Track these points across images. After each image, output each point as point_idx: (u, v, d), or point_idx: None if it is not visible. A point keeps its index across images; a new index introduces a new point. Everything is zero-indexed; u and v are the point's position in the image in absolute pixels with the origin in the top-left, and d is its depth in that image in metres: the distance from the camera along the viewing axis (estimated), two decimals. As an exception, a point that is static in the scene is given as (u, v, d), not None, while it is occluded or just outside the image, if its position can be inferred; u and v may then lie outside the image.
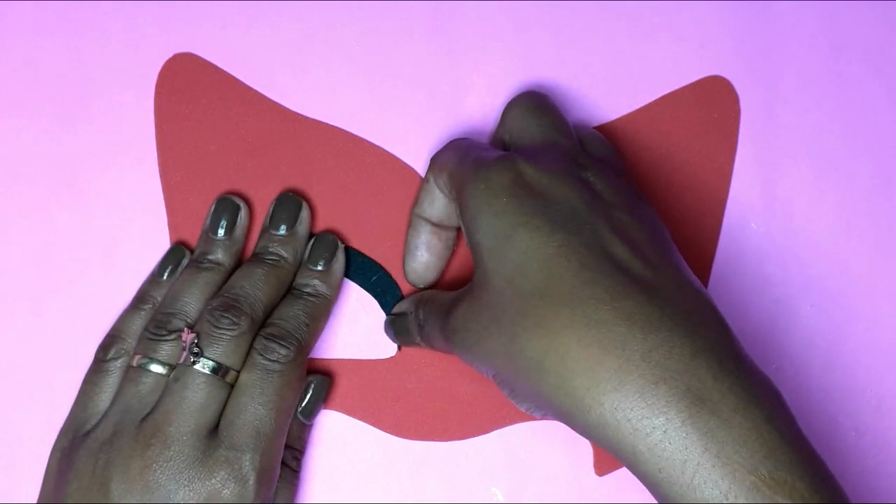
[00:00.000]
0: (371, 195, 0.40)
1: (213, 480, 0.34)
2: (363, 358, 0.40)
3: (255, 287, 0.37)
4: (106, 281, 0.39)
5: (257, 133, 0.40)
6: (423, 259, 0.39)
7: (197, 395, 0.34)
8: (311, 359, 0.39)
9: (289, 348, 0.36)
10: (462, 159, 0.35)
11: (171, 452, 0.34)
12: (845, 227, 0.41)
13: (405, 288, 0.40)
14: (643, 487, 0.39)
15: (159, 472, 0.33)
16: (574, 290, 0.30)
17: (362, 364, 0.40)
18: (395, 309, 0.39)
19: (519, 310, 0.30)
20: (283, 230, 0.38)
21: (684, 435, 0.28)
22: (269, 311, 0.37)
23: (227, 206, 0.39)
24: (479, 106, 0.41)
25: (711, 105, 0.41)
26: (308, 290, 0.38)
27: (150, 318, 0.37)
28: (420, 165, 0.40)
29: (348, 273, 0.40)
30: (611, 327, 0.29)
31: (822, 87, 0.42)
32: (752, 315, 0.40)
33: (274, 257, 0.38)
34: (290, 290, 0.38)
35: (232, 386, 0.35)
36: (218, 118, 0.40)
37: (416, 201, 0.38)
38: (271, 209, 0.39)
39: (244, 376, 0.35)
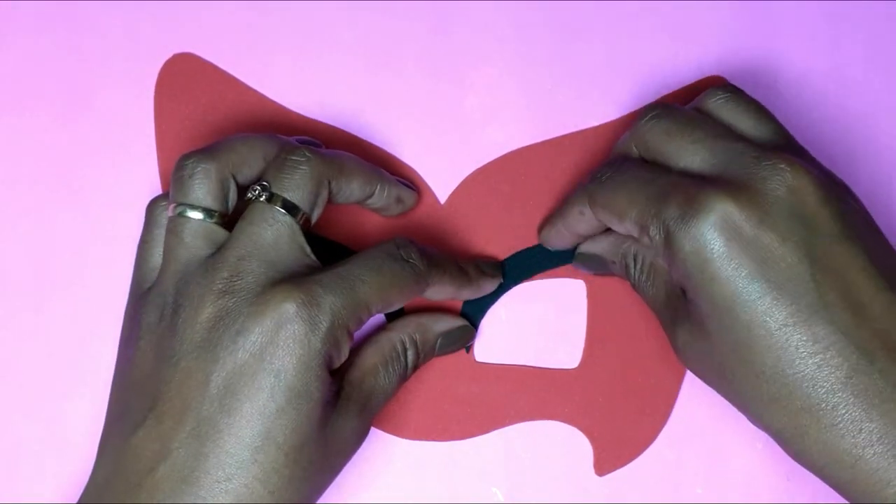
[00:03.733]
0: (371, 195, 0.40)
1: (281, 308, 0.31)
2: (363, 358, 0.40)
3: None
4: (106, 281, 0.39)
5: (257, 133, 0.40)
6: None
7: (267, 231, 0.32)
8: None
9: (421, 261, 0.34)
10: (648, 207, 0.32)
11: (242, 281, 0.31)
12: (845, 227, 0.41)
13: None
14: (643, 487, 0.40)
15: (231, 302, 0.31)
16: (806, 372, 0.30)
17: (362, 364, 0.40)
18: (585, 248, 0.38)
19: (750, 383, 0.31)
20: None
21: None
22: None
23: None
24: (479, 106, 0.41)
25: (711, 105, 0.41)
26: (465, 266, 0.37)
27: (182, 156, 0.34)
28: (420, 165, 0.40)
29: None
30: (847, 411, 0.30)
31: (822, 87, 0.42)
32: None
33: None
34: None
35: (303, 230, 0.33)
36: (218, 118, 0.40)
37: (563, 216, 0.37)
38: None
39: (364, 252, 0.33)
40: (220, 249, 0.33)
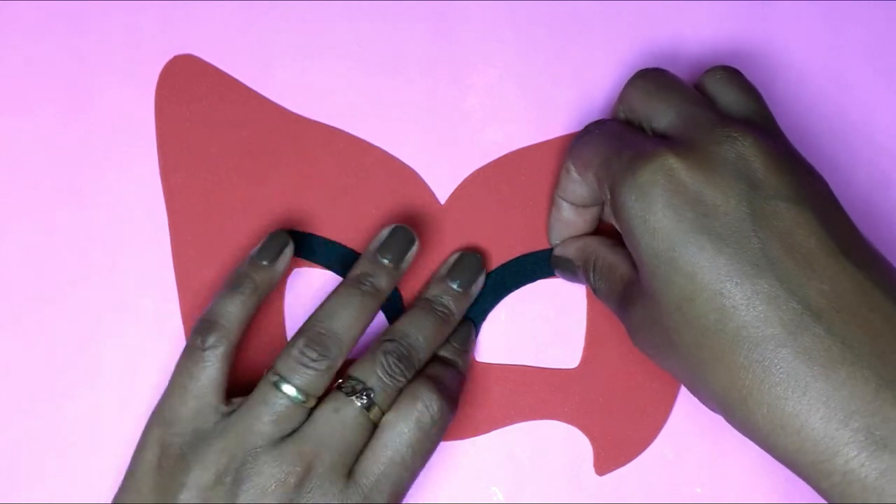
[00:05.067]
0: (371, 195, 0.40)
1: None
2: (363, 358, 0.40)
3: (427, 339, 0.36)
4: (106, 281, 0.39)
5: (258, 134, 0.40)
6: (564, 237, 0.39)
7: (352, 434, 0.34)
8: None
9: (451, 411, 0.36)
10: (607, 159, 0.33)
11: (313, 484, 0.33)
12: (846, 226, 0.41)
13: (404, 289, 0.40)
14: (643, 487, 0.39)
15: (296, 500, 0.33)
16: (748, 326, 0.29)
17: (362, 364, 0.40)
18: (558, 251, 0.39)
19: (694, 341, 0.30)
20: (459, 287, 0.38)
21: (863, 476, 0.28)
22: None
23: (405, 235, 0.37)
24: (479, 106, 0.41)
25: (711, 105, 0.41)
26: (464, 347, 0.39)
27: (300, 332, 0.35)
28: (420, 165, 0.40)
29: (346, 274, 0.40)
30: (791, 369, 0.28)
31: (822, 87, 0.42)
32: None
33: (445, 310, 0.37)
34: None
35: (375, 426, 0.35)
36: (218, 119, 0.40)
37: (557, 184, 0.38)
38: (451, 260, 0.39)
39: (393, 420, 0.34)
40: (295, 433, 0.34)
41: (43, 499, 0.38)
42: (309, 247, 0.40)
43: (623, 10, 0.41)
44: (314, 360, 0.34)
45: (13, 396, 0.39)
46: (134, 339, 0.39)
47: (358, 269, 0.37)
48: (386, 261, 0.37)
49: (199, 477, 0.33)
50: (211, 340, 0.35)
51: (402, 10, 0.41)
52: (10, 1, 0.41)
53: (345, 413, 0.34)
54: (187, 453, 0.34)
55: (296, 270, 0.40)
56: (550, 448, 0.39)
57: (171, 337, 0.39)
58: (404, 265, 0.37)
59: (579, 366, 0.40)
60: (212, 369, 0.35)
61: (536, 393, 0.40)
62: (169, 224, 0.40)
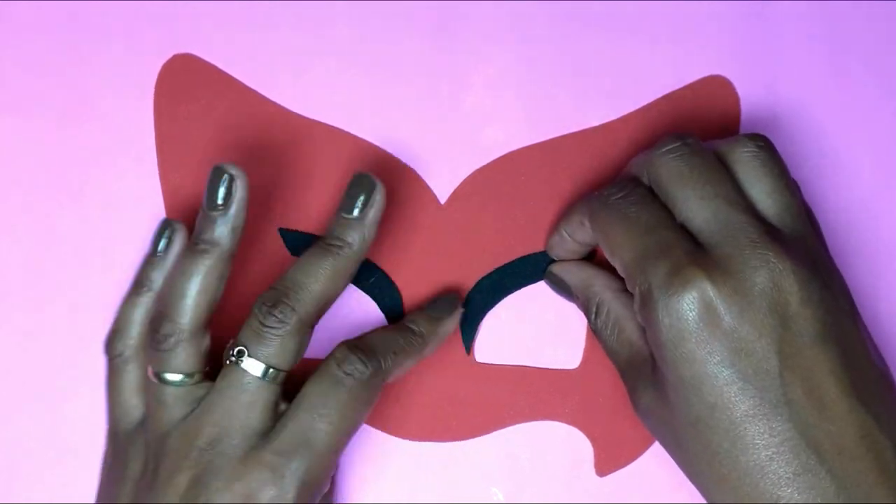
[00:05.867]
0: (371, 195, 0.40)
1: (251, 481, 0.33)
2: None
3: (311, 277, 0.34)
4: (106, 281, 0.39)
5: (257, 134, 0.40)
6: (563, 258, 0.39)
7: (243, 396, 0.34)
8: (308, 360, 0.39)
9: (366, 365, 0.34)
10: (639, 257, 0.33)
11: (215, 451, 0.33)
12: (845, 226, 0.41)
13: (404, 289, 0.40)
14: (643, 488, 0.39)
15: (204, 471, 0.33)
16: (759, 462, 0.31)
17: (362, 364, 0.40)
18: (556, 270, 0.39)
19: (703, 457, 0.32)
20: (355, 213, 0.35)
21: None
22: (324, 308, 0.35)
23: (219, 174, 0.35)
24: (479, 106, 0.41)
25: (712, 104, 0.41)
26: (412, 325, 0.37)
27: (150, 312, 0.37)
28: (420, 165, 0.40)
29: None
30: None
31: (822, 87, 0.42)
32: (752, 315, 0.40)
33: (338, 242, 0.35)
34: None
35: (281, 387, 0.34)
36: (217, 119, 0.40)
37: (565, 220, 0.38)
38: (346, 190, 0.36)
39: (309, 386, 0.34)
40: (197, 413, 0.34)
41: (43, 499, 0.38)
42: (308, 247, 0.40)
43: (623, 10, 0.41)
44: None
45: (13, 396, 0.39)
46: (133, 339, 0.39)
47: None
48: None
49: (129, 465, 0.35)
50: (118, 349, 0.37)
51: (402, 10, 0.41)
52: (10, 1, 0.41)
53: (230, 378, 0.34)
54: (120, 444, 0.36)
55: (296, 270, 0.40)
56: (551, 449, 0.39)
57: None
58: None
59: (580, 366, 0.40)
60: (129, 375, 0.37)
61: (536, 393, 0.40)
62: (168, 224, 0.40)
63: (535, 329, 0.40)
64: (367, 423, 0.39)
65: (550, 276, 0.40)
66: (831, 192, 0.41)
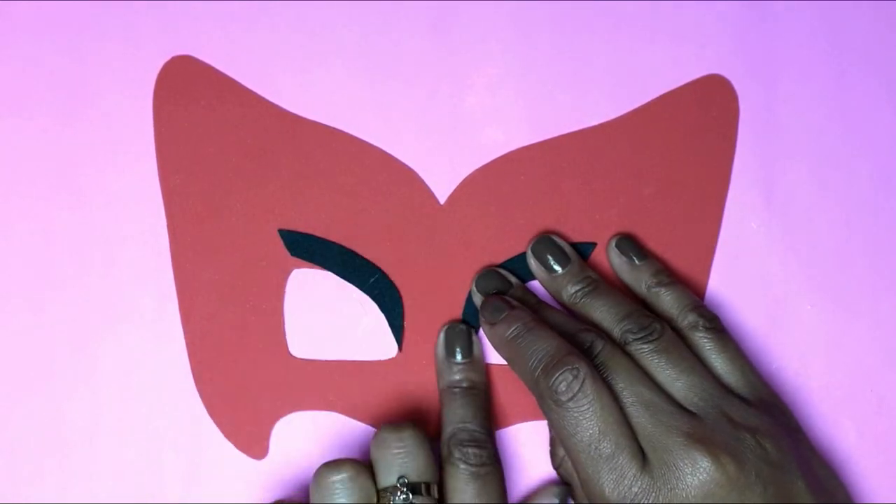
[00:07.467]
0: (370, 196, 0.40)
1: None
2: (363, 359, 0.40)
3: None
4: (105, 281, 0.39)
5: (256, 135, 0.40)
6: None
7: None
8: (308, 360, 0.39)
9: (484, 447, 0.36)
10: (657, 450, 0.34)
11: None
12: (845, 227, 0.41)
13: (404, 289, 0.40)
14: (643, 488, 0.39)
15: None
16: None
17: (363, 365, 0.40)
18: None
19: None
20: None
21: None
22: None
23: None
24: (479, 106, 0.41)
25: (711, 104, 0.41)
26: (465, 384, 0.38)
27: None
28: (420, 165, 0.40)
29: (347, 275, 0.40)
30: None
31: (821, 87, 0.42)
32: (752, 315, 0.40)
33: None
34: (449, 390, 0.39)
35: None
36: (216, 120, 0.40)
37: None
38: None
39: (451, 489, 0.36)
40: None
41: (43, 499, 0.38)
42: (308, 247, 0.40)
43: (623, 10, 0.41)
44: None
45: (13, 396, 0.39)
46: (133, 339, 0.39)
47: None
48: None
49: None
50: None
51: (402, 11, 0.41)
52: (10, 1, 0.41)
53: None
54: None
55: (295, 271, 0.40)
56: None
57: (169, 337, 0.39)
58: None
59: (579, 366, 0.40)
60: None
61: (536, 393, 0.40)
62: (168, 224, 0.40)
63: (535, 329, 0.40)
64: (367, 423, 0.39)
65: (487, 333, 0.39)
66: (831, 192, 0.41)
